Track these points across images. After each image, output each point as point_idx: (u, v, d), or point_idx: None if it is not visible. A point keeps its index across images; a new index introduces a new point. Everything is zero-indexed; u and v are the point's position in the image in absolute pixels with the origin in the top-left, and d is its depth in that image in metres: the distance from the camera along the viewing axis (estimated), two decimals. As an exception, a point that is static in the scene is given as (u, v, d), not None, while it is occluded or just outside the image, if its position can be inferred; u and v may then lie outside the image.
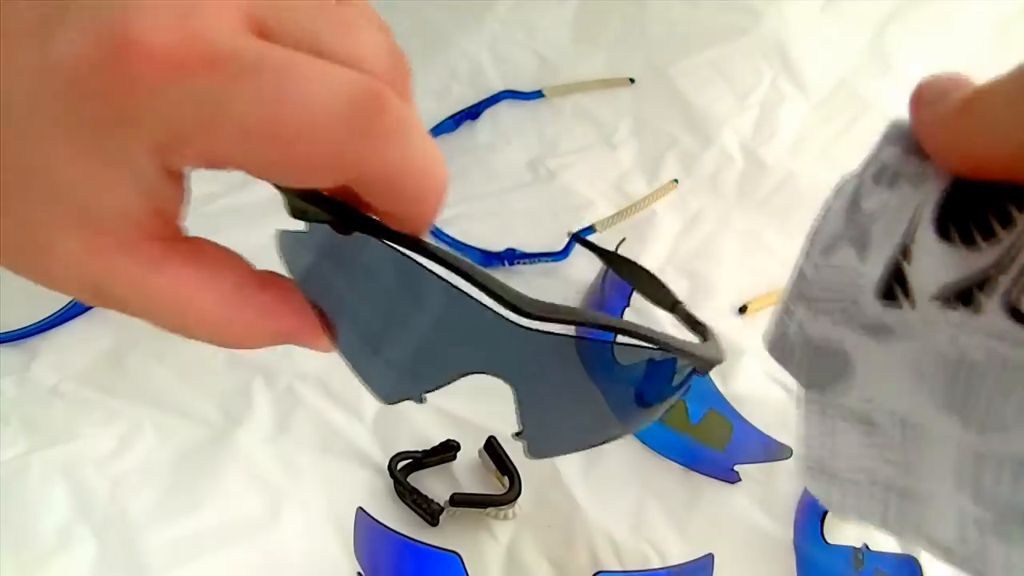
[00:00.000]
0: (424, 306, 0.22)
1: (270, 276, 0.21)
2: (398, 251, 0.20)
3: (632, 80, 0.66)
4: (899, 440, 0.19)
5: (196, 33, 0.16)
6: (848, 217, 0.19)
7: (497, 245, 0.53)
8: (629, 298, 0.46)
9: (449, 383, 0.23)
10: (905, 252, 0.18)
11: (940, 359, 0.18)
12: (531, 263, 0.53)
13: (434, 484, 0.42)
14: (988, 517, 0.18)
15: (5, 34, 0.16)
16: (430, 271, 0.20)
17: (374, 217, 0.20)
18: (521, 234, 0.55)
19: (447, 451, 0.42)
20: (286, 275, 0.22)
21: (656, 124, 0.63)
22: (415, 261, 0.20)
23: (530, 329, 0.21)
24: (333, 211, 0.20)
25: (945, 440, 0.18)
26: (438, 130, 0.62)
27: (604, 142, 0.62)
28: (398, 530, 0.36)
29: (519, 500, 0.40)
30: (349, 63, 0.17)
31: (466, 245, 0.53)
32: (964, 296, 0.17)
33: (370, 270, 0.21)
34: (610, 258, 0.47)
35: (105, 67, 0.15)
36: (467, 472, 0.43)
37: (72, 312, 0.47)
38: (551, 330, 0.21)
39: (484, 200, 0.58)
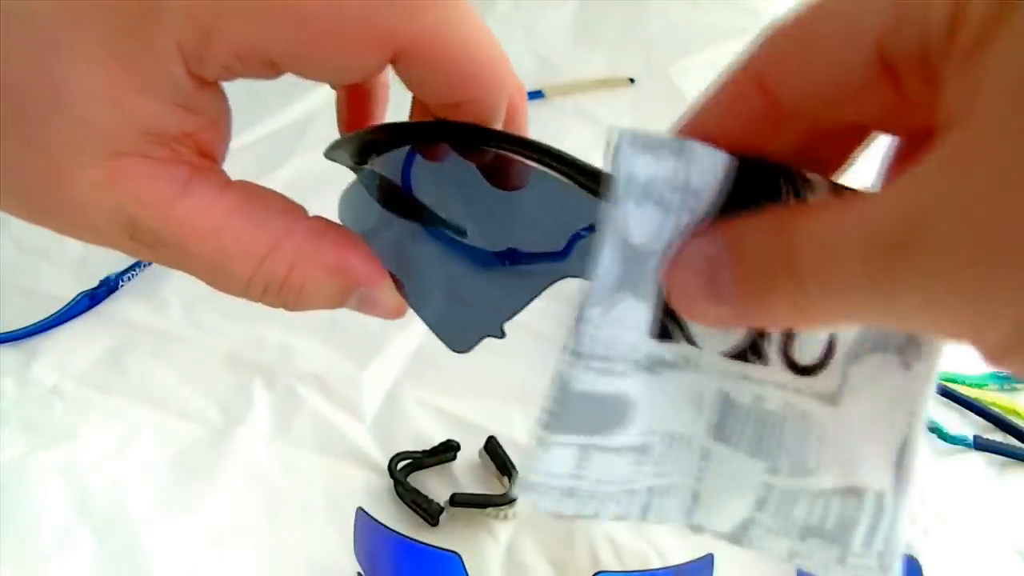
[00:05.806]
0: (504, 194, 0.21)
1: (326, 220, 0.19)
2: (472, 141, 0.19)
3: (632, 80, 0.66)
4: (664, 452, 0.18)
5: None
6: (623, 260, 0.17)
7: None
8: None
9: (528, 303, 0.22)
10: None
11: (723, 397, 0.18)
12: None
13: (434, 484, 0.42)
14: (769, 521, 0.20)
15: None
16: (498, 150, 0.19)
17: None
18: (521, 234, 0.55)
19: (447, 451, 0.42)
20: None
21: (656, 124, 0.62)
22: (490, 141, 0.19)
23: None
24: (382, 129, 0.19)
25: (728, 461, 0.18)
26: (438, 130, 0.62)
27: (604, 142, 0.62)
28: (398, 530, 0.36)
29: (519, 500, 0.40)
30: None
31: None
32: (753, 347, 0.17)
33: (439, 178, 0.20)
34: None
35: None
36: (467, 472, 0.43)
37: (72, 312, 0.47)
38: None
39: (484, 200, 0.58)
